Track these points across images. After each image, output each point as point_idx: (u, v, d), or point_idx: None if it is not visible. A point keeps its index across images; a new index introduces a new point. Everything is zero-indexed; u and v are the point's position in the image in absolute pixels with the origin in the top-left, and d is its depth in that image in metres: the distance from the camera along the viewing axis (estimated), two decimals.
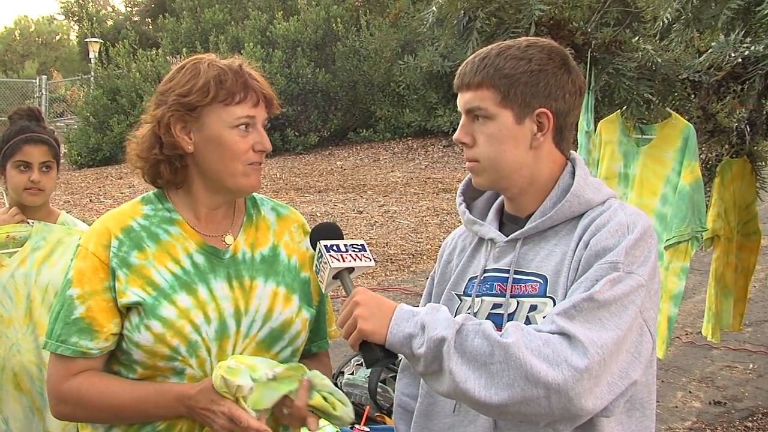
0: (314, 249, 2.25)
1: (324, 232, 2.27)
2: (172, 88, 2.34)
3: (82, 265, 2.32)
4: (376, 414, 4.71)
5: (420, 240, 12.90)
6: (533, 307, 2.15)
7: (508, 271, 2.22)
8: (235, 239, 2.44)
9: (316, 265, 2.24)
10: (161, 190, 2.46)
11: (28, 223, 3.59)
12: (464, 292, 2.33)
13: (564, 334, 1.94)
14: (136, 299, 2.26)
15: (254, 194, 2.57)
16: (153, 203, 2.43)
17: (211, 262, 2.38)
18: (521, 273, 2.20)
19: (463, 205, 2.42)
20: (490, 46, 2.25)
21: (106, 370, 2.37)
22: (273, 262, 2.46)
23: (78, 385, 2.30)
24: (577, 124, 4.96)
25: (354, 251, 2.22)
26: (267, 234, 2.51)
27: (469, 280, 2.33)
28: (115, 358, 2.36)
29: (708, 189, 5.72)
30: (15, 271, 3.55)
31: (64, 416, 2.39)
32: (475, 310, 2.25)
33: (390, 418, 4.73)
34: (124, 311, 2.30)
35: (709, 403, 6.85)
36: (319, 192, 17.05)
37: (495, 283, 2.24)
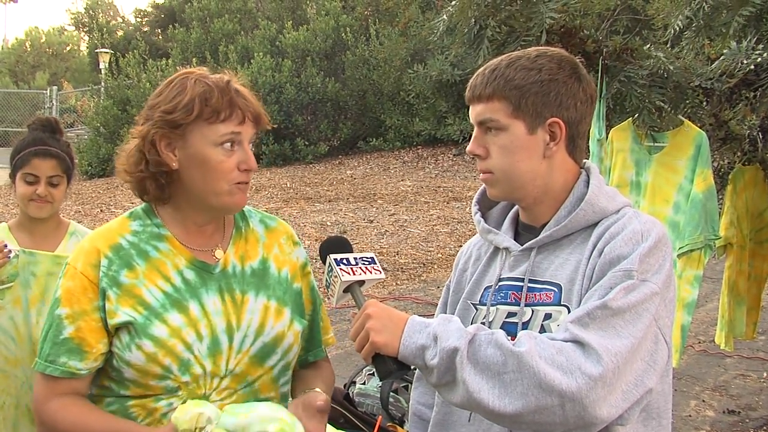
0: (324, 263, 2.24)
1: (333, 245, 2.27)
2: (159, 104, 2.31)
3: (70, 285, 2.29)
4: (388, 424, 4.69)
5: (431, 249, 12.88)
6: (548, 316, 2.15)
7: (522, 280, 2.22)
8: (224, 252, 2.42)
9: (327, 279, 2.24)
10: (149, 205, 2.43)
11: (10, 255, 3.48)
12: (480, 301, 2.33)
13: (578, 342, 1.94)
14: (127, 319, 2.24)
15: None
16: (141, 219, 2.41)
17: (202, 276, 2.35)
18: (536, 282, 2.20)
19: (479, 214, 2.43)
20: (499, 58, 2.26)
21: (98, 385, 2.35)
22: (263, 275, 2.45)
23: (55, 411, 2.28)
24: (587, 131, 4.97)
25: (364, 264, 2.22)
26: (256, 247, 2.49)
27: (485, 289, 2.33)
28: (106, 374, 2.33)
29: (720, 197, 5.70)
30: (12, 312, 3.52)
31: None
32: (490, 319, 2.25)
33: (402, 428, 4.71)
34: (113, 330, 2.27)
35: (723, 412, 6.82)
36: (329, 201, 17.05)
37: (510, 292, 2.24)
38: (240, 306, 2.36)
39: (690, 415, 6.69)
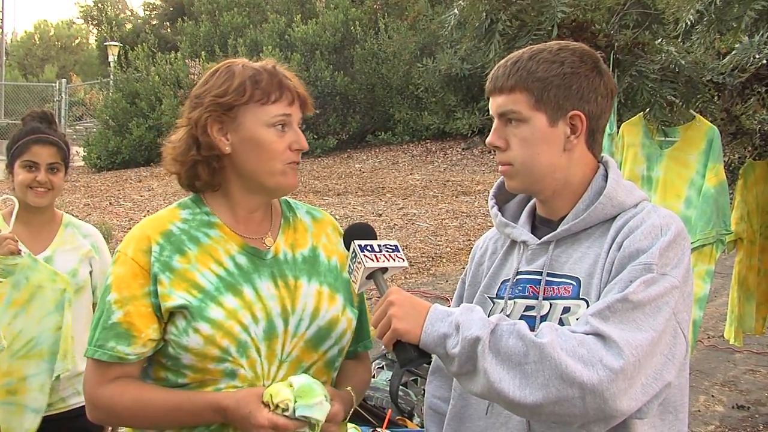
0: (348, 249, 2.24)
1: (358, 232, 2.27)
2: (208, 90, 2.35)
3: (120, 271, 2.31)
4: (398, 417, 4.70)
5: (439, 243, 12.89)
6: (566, 309, 2.15)
7: (540, 274, 2.22)
8: (274, 241, 2.44)
9: (350, 265, 2.24)
10: (197, 195, 2.45)
11: (19, 253, 3.47)
12: (497, 294, 2.33)
13: (598, 335, 1.94)
14: (182, 302, 2.25)
15: (287, 198, 2.58)
16: (190, 208, 2.43)
17: (254, 262, 2.37)
18: (554, 275, 2.20)
19: (496, 207, 2.43)
20: (521, 50, 2.26)
21: (152, 377, 2.36)
22: (314, 262, 2.47)
23: (111, 393, 2.28)
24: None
25: (388, 251, 2.22)
26: (305, 235, 2.51)
27: (501, 283, 2.33)
28: (161, 365, 2.34)
29: (731, 191, 5.69)
30: None
31: (98, 421, 2.39)
32: (507, 313, 2.25)
33: (411, 421, 4.72)
34: (167, 316, 2.28)
35: (732, 407, 6.81)
36: (338, 195, 17.07)
37: (528, 286, 2.24)
38: (294, 291, 2.38)
39: (699, 411, 6.69)
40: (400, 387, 4.96)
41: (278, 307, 2.34)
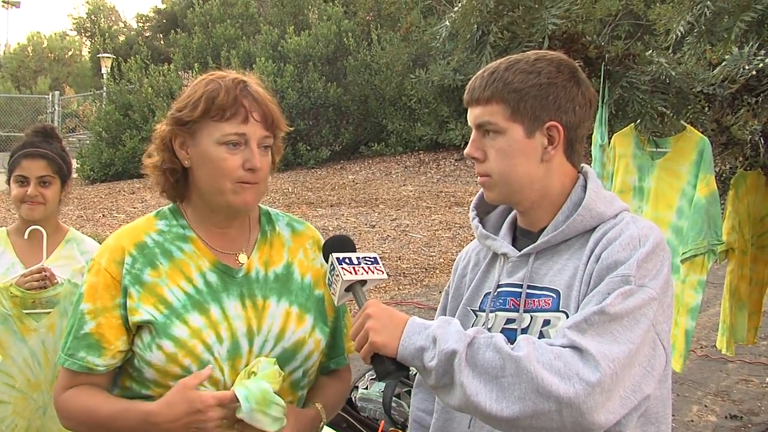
0: (327, 261, 2.24)
1: (337, 244, 2.27)
2: (175, 103, 2.37)
3: (94, 281, 2.32)
4: (391, 429, 4.70)
5: (432, 254, 12.88)
6: (546, 322, 2.14)
7: (521, 286, 2.21)
8: (248, 257, 2.43)
9: (329, 278, 2.24)
10: (176, 205, 2.45)
11: (57, 282, 3.51)
12: (479, 307, 2.33)
13: (575, 348, 1.93)
14: (148, 317, 2.26)
15: (269, 209, 2.56)
16: (167, 218, 2.43)
17: (224, 280, 2.36)
18: (534, 288, 2.19)
19: (477, 219, 2.42)
20: (498, 61, 2.25)
21: (119, 386, 2.38)
22: (286, 280, 2.45)
23: (67, 398, 2.32)
24: (590, 137, 4.97)
25: (366, 264, 2.22)
26: (281, 251, 2.49)
27: (484, 296, 2.33)
28: (128, 374, 2.35)
29: (722, 202, 5.69)
30: (45, 337, 3.50)
31: (67, 427, 2.41)
32: (489, 326, 2.24)
33: None
34: (134, 329, 2.29)
35: (725, 417, 6.81)
36: (331, 206, 17.06)
37: (508, 298, 2.23)
38: (261, 311, 2.37)
39: (692, 420, 6.69)
40: (393, 398, 4.96)
41: (244, 327, 2.33)
